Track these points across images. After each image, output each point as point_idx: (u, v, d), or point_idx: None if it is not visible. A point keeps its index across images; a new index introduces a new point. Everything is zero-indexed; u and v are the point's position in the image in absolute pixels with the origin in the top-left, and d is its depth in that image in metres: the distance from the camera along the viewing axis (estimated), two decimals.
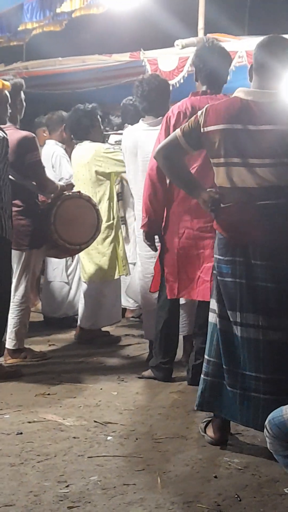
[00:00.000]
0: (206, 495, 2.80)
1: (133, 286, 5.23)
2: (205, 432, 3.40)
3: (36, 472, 3.00)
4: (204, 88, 4.12)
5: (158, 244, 4.35)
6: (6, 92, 4.40)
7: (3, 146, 4.21)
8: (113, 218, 5.31)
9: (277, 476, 2.96)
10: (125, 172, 5.09)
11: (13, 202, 4.52)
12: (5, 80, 4.60)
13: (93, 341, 5.36)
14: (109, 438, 3.41)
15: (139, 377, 4.42)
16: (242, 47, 5.96)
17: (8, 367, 4.58)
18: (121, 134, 5.26)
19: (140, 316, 5.73)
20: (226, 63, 4.20)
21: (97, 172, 5.22)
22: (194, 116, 3.25)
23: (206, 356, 3.32)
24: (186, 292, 4.12)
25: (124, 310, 6.01)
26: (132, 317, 6.19)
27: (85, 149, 5.29)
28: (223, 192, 3.16)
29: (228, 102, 3.21)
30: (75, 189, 5.05)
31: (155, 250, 4.36)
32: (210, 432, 3.36)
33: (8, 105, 4.43)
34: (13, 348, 4.79)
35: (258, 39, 3.29)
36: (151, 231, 4.30)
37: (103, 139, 5.71)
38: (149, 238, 4.33)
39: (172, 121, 4.04)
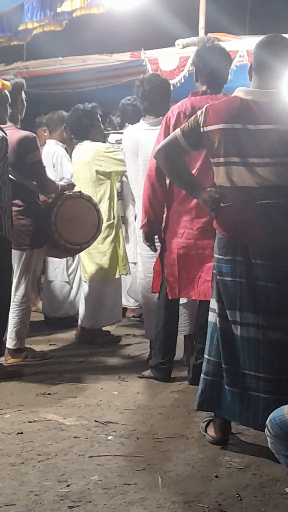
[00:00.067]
0: (207, 494, 2.80)
1: (134, 285, 5.23)
2: (206, 431, 3.40)
3: (36, 471, 3.00)
4: (204, 88, 4.11)
5: (157, 244, 4.35)
6: (6, 92, 4.39)
7: (2, 145, 4.21)
8: (114, 218, 5.31)
9: (278, 475, 2.95)
10: (125, 171, 5.09)
11: (14, 202, 4.52)
12: (6, 80, 4.60)
13: (94, 341, 5.36)
14: (109, 437, 3.41)
15: (140, 377, 4.42)
16: (243, 46, 5.95)
17: (8, 366, 4.58)
18: (121, 133, 5.26)
19: (141, 315, 5.73)
20: (226, 63, 4.19)
21: (97, 172, 5.21)
22: (194, 115, 3.25)
23: (206, 356, 3.32)
24: (186, 292, 4.13)
25: (125, 309, 6.01)
26: (133, 316, 6.19)
27: (86, 148, 5.29)
28: (223, 192, 3.16)
29: (227, 101, 3.20)
30: (75, 189, 5.05)
31: (155, 250, 4.36)
32: (211, 431, 3.35)
33: (8, 105, 4.43)
34: (14, 347, 4.79)
35: (259, 38, 3.28)
36: (150, 232, 4.30)
37: (104, 139, 5.71)
38: (148, 239, 4.33)
39: (172, 122, 4.03)
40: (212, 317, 3.29)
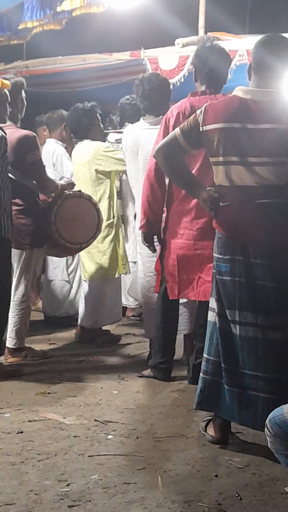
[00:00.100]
0: (207, 494, 2.80)
1: (135, 285, 5.23)
2: (205, 431, 3.40)
3: (36, 471, 3.00)
4: (203, 88, 4.09)
5: (156, 245, 4.35)
6: (6, 91, 4.39)
7: (1, 145, 4.21)
8: (113, 217, 5.31)
9: (278, 475, 2.96)
10: (125, 171, 5.09)
11: (14, 201, 4.52)
12: (6, 79, 4.60)
13: (94, 340, 5.36)
14: (109, 437, 3.41)
15: (140, 376, 4.42)
16: (242, 45, 5.95)
17: (8, 366, 4.58)
18: (121, 132, 5.25)
19: (141, 315, 5.73)
20: (226, 63, 4.18)
21: (97, 171, 5.21)
22: (193, 115, 3.25)
23: (205, 355, 3.32)
24: (186, 292, 4.11)
25: (125, 308, 6.02)
26: (133, 315, 6.19)
27: (85, 148, 5.28)
28: (222, 191, 3.16)
29: (226, 101, 3.20)
30: (75, 188, 5.05)
31: (154, 251, 4.37)
32: (210, 431, 3.36)
33: (8, 104, 4.43)
34: (14, 347, 4.79)
35: (259, 37, 3.28)
36: (149, 232, 4.31)
37: (103, 138, 5.70)
38: (147, 239, 4.33)
39: (172, 122, 4.02)
40: (212, 316, 3.29)
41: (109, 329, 5.59)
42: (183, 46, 6.24)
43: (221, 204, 3.15)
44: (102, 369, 4.63)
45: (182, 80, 6.31)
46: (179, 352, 4.55)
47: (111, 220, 5.28)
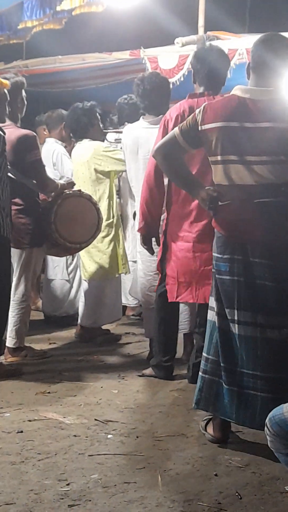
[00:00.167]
0: (207, 493, 2.80)
1: (136, 285, 5.23)
2: (205, 430, 3.40)
3: (36, 470, 3.00)
4: (201, 89, 4.08)
5: (154, 246, 4.34)
6: (5, 90, 4.38)
7: (0, 144, 4.20)
8: (113, 217, 5.31)
9: (278, 474, 2.96)
10: (125, 171, 5.09)
11: (14, 200, 4.52)
12: (6, 78, 4.59)
13: (94, 340, 5.36)
14: (109, 436, 3.41)
15: (140, 375, 4.42)
16: (242, 45, 5.95)
17: (8, 365, 4.58)
18: (121, 132, 5.25)
19: (141, 314, 5.73)
20: (224, 64, 4.16)
21: (96, 171, 5.21)
22: (192, 114, 3.25)
23: (204, 354, 3.32)
24: (184, 295, 4.10)
25: (125, 308, 6.02)
26: (133, 315, 6.19)
27: (85, 147, 5.28)
28: (221, 190, 3.15)
29: (225, 100, 3.20)
30: (75, 188, 5.05)
31: (152, 253, 4.37)
32: (210, 430, 3.36)
33: (7, 104, 4.42)
34: (14, 346, 4.79)
35: (258, 36, 3.28)
36: (148, 235, 4.31)
37: (103, 138, 5.70)
38: (146, 242, 4.33)
39: (171, 125, 4.00)
40: (211, 315, 3.29)
41: (109, 329, 5.59)
42: (183, 45, 6.24)
43: (220, 203, 3.15)
44: (102, 369, 4.63)
45: (182, 79, 6.31)
46: (179, 351, 4.54)
47: (111, 220, 5.28)
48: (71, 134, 5.63)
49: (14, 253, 4.63)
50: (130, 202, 5.79)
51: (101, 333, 5.45)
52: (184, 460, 3.13)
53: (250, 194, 3.06)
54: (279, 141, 3.03)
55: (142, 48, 6.66)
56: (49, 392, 4.09)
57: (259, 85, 3.14)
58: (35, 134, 4.82)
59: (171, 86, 4.89)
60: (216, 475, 2.97)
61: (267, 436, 2.50)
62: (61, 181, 5.03)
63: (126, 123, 5.44)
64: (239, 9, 10.43)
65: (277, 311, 3.08)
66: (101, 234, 5.14)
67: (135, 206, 5.04)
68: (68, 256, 5.73)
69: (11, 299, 4.59)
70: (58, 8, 6.98)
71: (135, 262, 5.24)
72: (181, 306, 4.46)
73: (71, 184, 5.04)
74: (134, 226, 5.38)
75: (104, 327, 5.50)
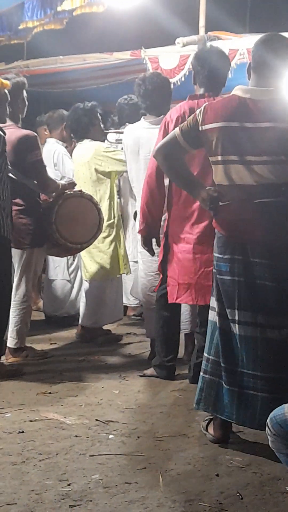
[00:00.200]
0: (208, 493, 2.80)
1: (137, 285, 5.23)
2: (206, 430, 3.40)
3: (37, 470, 3.00)
4: (201, 91, 4.07)
5: (155, 247, 4.34)
6: (6, 91, 4.38)
7: None
8: (114, 217, 5.31)
9: (279, 474, 2.95)
10: (125, 171, 5.09)
11: (15, 201, 4.53)
12: (7, 79, 4.60)
13: (95, 340, 5.36)
14: (110, 436, 3.41)
15: (141, 376, 4.42)
16: (243, 45, 5.95)
17: (9, 365, 4.58)
18: (121, 132, 5.25)
19: (142, 314, 5.73)
20: (225, 66, 4.16)
21: (97, 171, 5.21)
22: (193, 114, 3.25)
23: (205, 354, 3.33)
24: (184, 297, 4.09)
25: (126, 308, 6.02)
26: (134, 315, 6.19)
27: (86, 148, 5.28)
28: (222, 190, 3.16)
29: (226, 100, 3.21)
30: (76, 188, 5.05)
31: (153, 254, 4.37)
32: (211, 430, 3.36)
33: (7, 104, 4.42)
34: (15, 346, 4.79)
35: (259, 36, 3.28)
36: (148, 236, 4.31)
37: (104, 138, 5.70)
38: (147, 243, 4.33)
39: (171, 127, 3.98)
40: (212, 316, 3.29)
41: (110, 329, 5.59)
42: (184, 45, 6.24)
43: (220, 203, 3.15)
44: (103, 369, 4.63)
45: (183, 79, 6.31)
46: (180, 351, 4.54)
47: (112, 221, 5.28)
48: (72, 135, 5.63)
49: (15, 254, 4.63)
50: (130, 202, 5.79)
51: (102, 333, 5.45)
52: (185, 460, 3.13)
53: (250, 194, 3.06)
54: (280, 141, 3.03)
55: (143, 48, 6.67)
56: (50, 393, 4.09)
57: (259, 85, 3.14)
58: (36, 134, 4.82)
59: (172, 86, 4.89)
60: (217, 475, 2.97)
61: (268, 436, 2.50)
62: (62, 182, 5.04)
63: (126, 123, 5.45)
64: (240, 9, 10.42)
65: (277, 311, 3.08)
66: (102, 235, 5.14)
67: (135, 206, 5.04)
68: (69, 257, 5.73)
69: (12, 299, 4.59)
70: (59, 9, 6.98)
71: (136, 262, 5.24)
72: (183, 306, 4.45)
73: (72, 184, 5.04)
74: (134, 226, 5.39)
75: (105, 327, 5.50)
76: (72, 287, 5.97)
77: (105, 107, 6.19)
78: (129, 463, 3.09)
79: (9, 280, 4.42)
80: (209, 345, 3.30)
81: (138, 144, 4.69)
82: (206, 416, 3.48)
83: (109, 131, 5.89)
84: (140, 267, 4.80)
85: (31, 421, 3.61)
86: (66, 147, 6.04)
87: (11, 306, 4.57)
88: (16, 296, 4.72)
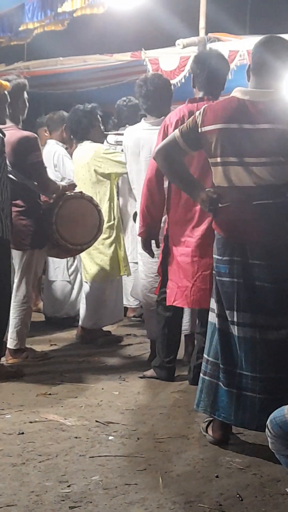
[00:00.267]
0: (208, 494, 2.80)
1: (137, 287, 5.23)
2: (206, 431, 3.40)
3: (37, 472, 3.00)
4: (201, 94, 4.08)
5: (155, 249, 4.35)
6: (6, 92, 4.39)
7: None
8: (114, 219, 5.31)
9: (279, 475, 2.95)
10: (125, 173, 5.09)
11: (15, 202, 4.53)
12: (8, 80, 4.60)
13: (95, 341, 5.36)
14: (110, 438, 3.41)
15: (141, 377, 4.42)
16: (243, 46, 5.97)
17: (9, 367, 4.58)
18: (121, 134, 5.25)
19: (142, 315, 5.73)
20: (224, 69, 4.16)
21: (96, 172, 5.21)
22: (192, 116, 3.26)
23: (205, 356, 3.33)
24: (180, 300, 4.10)
25: (126, 309, 6.02)
26: (134, 316, 6.19)
27: (85, 149, 5.29)
28: (221, 192, 3.16)
29: (225, 101, 3.21)
30: (76, 189, 5.05)
31: (153, 256, 4.37)
32: (211, 431, 3.36)
33: (7, 106, 4.42)
34: (15, 348, 4.79)
35: (259, 38, 3.29)
36: (148, 237, 4.31)
37: (104, 139, 5.70)
38: (147, 245, 4.33)
39: (170, 130, 3.97)
40: (212, 317, 3.30)
41: (110, 330, 5.59)
42: (184, 47, 6.25)
43: (220, 205, 3.15)
44: (103, 370, 4.63)
45: (183, 80, 6.32)
46: (180, 352, 4.54)
47: (112, 222, 5.28)
48: (71, 136, 5.63)
49: (16, 255, 4.64)
50: (129, 202, 5.79)
51: (102, 334, 5.45)
52: (185, 461, 3.13)
53: (249, 195, 3.06)
54: (279, 143, 3.03)
55: (143, 50, 6.68)
56: (50, 394, 4.09)
57: (259, 87, 3.14)
58: (36, 135, 4.82)
59: (172, 87, 4.90)
60: (217, 476, 2.97)
61: (268, 438, 2.50)
62: (63, 183, 5.04)
63: (126, 125, 5.45)
64: (240, 11, 10.44)
65: (276, 312, 3.08)
66: (102, 236, 5.14)
67: (135, 206, 5.04)
68: (68, 258, 5.73)
69: (12, 300, 4.59)
70: (60, 10, 6.99)
71: (136, 263, 5.24)
72: None
73: (72, 185, 5.04)
74: (134, 227, 5.38)
75: (105, 328, 5.50)
76: (72, 288, 5.97)
77: (105, 108, 6.19)
78: (129, 465, 3.09)
79: (9, 281, 4.42)
80: (209, 347, 3.30)
81: (138, 145, 4.70)
82: (206, 417, 3.48)
83: (109, 132, 5.90)
84: (140, 268, 4.81)
85: (31, 422, 3.61)
86: (66, 148, 6.05)
87: (11, 307, 4.57)
88: (16, 297, 4.72)
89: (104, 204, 5.22)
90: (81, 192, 4.99)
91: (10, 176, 4.39)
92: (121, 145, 5.07)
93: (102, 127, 5.48)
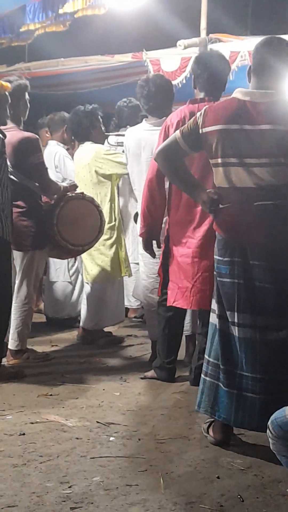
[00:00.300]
0: (209, 495, 2.80)
1: (138, 288, 5.23)
2: (207, 432, 3.40)
3: (38, 473, 3.00)
4: (202, 95, 4.08)
5: (156, 249, 4.35)
6: (6, 93, 4.39)
7: None
8: (115, 220, 5.31)
9: (280, 476, 2.95)
10: (126, 174, 5.09)
11: (16, 203, 4.53)
12: (9, 81, 4.60)
13: (96, 342, 5.36)
14: (111, 438, 3.41)
15: (142, 378, 4.42)
16: (244, 47, 5.97)
17: (10, 367, 4.58)
18: (122, 135, 5.25)
19: (143, 316, 5.73)
20: (225, 70, 4.16)
21: (97, 173, 5.22)
22: (193, 117, 3.26)
23: (206, 356, 3.33)
24: (180, 301, 4.10)
25: (127, 310, 6.01)
26: (135, 317, 6.19)
27: (86, 150, 5.29)
28: (222, 193, 3.16)
29: (226, 102, 3.22)
30: (78, 190, 5.05)
31: (154, 256, 4.37)
32: (212, 432, 3.35)
33: (8, 107, 4.42)
34: (16, 349, 4.79)
35: (260, 39, 3.29)
36: (149, 238, 4.31)
37: (105, 140, 5.71)
38: (148, 246, 4.33)
39: (171, 131, 3.98)
40: (213, 318, 3.30)
41: (111, 331, 5.59)
42: (185, 47, 6.25)
43: (220, 206, 3.16)
44: (104, 371, 4.63)
45: (184, 81, 6.32)
46: (180, 353, 4.54)
47: (113, 223, 5.28)
48: (72, 137, 5.63)
49: (17, 256, 4.64)
50: (130, 203, 5.79)
51: (103, 335, 5.45)
52: (186, 462, 3.13)
53: (250, 196, 3.06)
54: (279, 144, 3.04)
55: (144, 51, 6.68)
56: (51, 395, 4.09)
57: (259, 88, 3.14)
58: (37, 136, 4.83)
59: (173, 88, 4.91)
60: (218, 477, 2.96)
61: (269, 439, 2.50)
62: (64, 184, 5.04)
63: (127, 126, 5.45)
64: (241, 12, 10.45)
65: (276, 312, 3.08)
66: (103, 237, 5.14)
67: (135, 207, 5.04)
68: (69, 258, 5.73)
69: (14, 301, 4.60)
70: (61, 11, 7.00)
71: (137, 264, 5.24)
72: None
73: (73, 186, 5.04)
74: (134, 227, 5.39)
75: (106, 329, 5.50)
76: (73, 289, 5.97)
77: (106, 109, 6.19)
78: (130, 465, 3.09)
79: (9, 282, 4.42)
80: (210, 348, 3.30)
81: (140, 146, 4.70)
82: (207, 418, 3.48)
83: (110, 134, 5.90)
84: (141, 269, 4.81)
85: (32, 423, 3.61)
86: (67, 149, 6.05)
87: (13, 308, 4.57)
88: (17, 298, 4.72)
89: (105, 205, 5.22)
90: (82, 193, 4.99)
91: (11, 177, 4.39)
92: (122, 146, 5.07)
93: (103, 128, 5.49)
